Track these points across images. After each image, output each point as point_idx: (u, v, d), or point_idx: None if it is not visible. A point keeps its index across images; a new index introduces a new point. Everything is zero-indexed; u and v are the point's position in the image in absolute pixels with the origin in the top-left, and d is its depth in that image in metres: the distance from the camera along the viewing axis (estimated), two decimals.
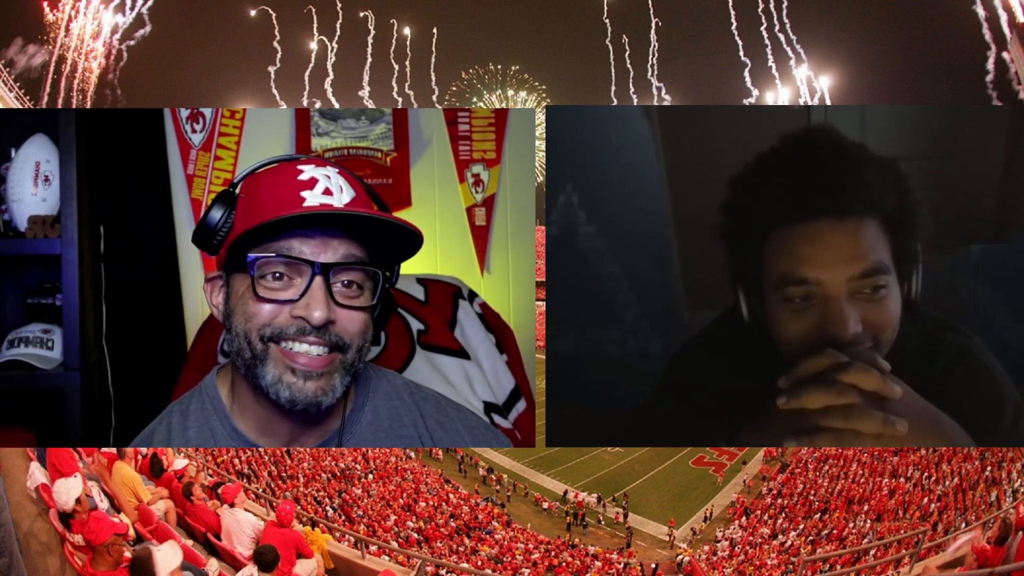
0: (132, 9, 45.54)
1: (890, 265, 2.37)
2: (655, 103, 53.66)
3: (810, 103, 48.73)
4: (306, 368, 1.92)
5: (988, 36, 39.68)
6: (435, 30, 55.77)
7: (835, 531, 14.78)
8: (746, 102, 50.13)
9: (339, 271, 1.93)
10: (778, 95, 50.95)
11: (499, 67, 57.19)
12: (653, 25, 54.04)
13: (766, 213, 2.41)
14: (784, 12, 49.18)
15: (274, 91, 52.62)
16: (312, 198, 1.93)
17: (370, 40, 55.21)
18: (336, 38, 54.64)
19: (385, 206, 2.18)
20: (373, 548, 6.18)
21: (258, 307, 1.90)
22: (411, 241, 2.02)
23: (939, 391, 2.47)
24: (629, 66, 55.39)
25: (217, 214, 2.00)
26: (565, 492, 20.03)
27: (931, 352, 2.64)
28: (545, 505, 19.49)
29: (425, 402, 2.34)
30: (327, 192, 1.96)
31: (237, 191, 2.06)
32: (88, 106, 41.20)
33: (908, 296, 2.45)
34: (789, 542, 15.04)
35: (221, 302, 2.03)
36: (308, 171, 1.99)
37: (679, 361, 2.92)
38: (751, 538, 16.09)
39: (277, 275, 1.89)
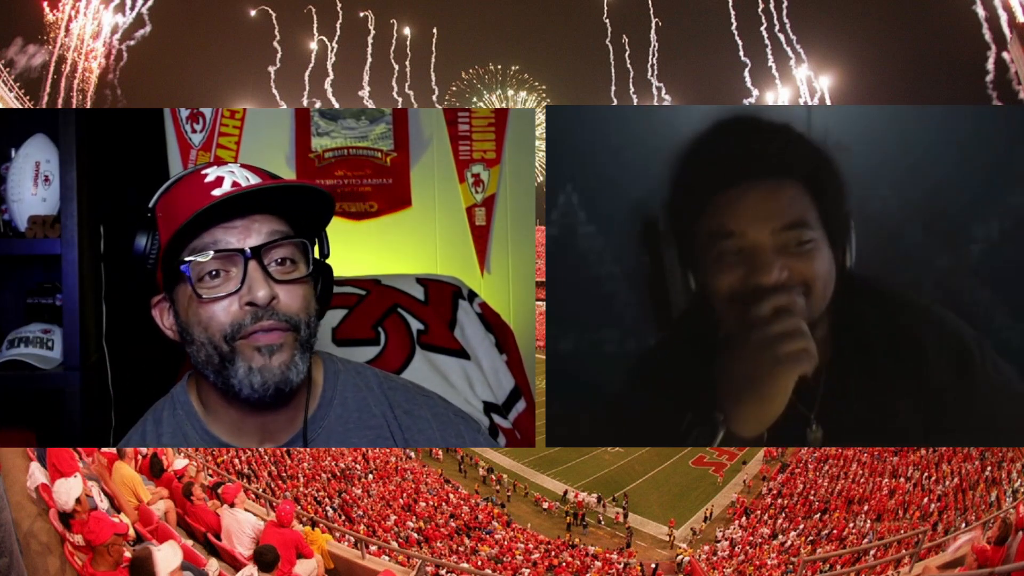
0: (132, 9, 45.58)
1: (814, 223, 2.55)
2: (655, 103, 53.75)
3: (810, 103, 48.77)
4: (267, 343, 1.96)
5: (988, 36, 39.68)
6: (435, 30, 55.82)
7: (835, 531, 14.78)
8: (746, 102, 50.13)
9: (269, 250, 1.99)
10: (778, 95, 50.96)
11: (499, 67, 57.22)
12: (653, 25, 54.08)
13: (699, 190, 2.63)
14: (784, 12, 49.23)
15: (274, 91, 52.69)
16: (221, 192, 1.98)
17: (370, 40, 55.26)
18: (336, 38, 54.69)
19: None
20: (373, 548, 6.18)
21: (208, 309, 1.95)
22: (324, 205, 2.08)
23: (919, 377, 2.62)
24: (629, 66, 55.44)
25: (142, 240, 2.06)
26: (565, 492, 20.03)
27: (936, 347, 2.72)
28: (545, 505, 19.49)
29: (394, 392, 2.35)
30: (235, 185, 2.01)
31: (153, 214, 2.11)
32: (88, 106, 41.20)
33: (843, 263, 2.60)
34: (789, 542, 15.04)
35: (173, 322, 2.07)
36: (212, 172, 2.06)
37: (679, 361, 2.92)
38: (751, 538, 16.09)
39: (213, 273, 1.95)
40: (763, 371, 2.46)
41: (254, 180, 2.06)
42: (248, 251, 1.95)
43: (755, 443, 2.64)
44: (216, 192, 1.98)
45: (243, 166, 2.12)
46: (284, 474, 15.73)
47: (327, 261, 2.20)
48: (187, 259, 1.95)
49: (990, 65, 40.49)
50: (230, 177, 2.04)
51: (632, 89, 55.42)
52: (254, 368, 1.96)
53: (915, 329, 2.74)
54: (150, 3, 45.93)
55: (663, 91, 54.64)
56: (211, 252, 1.94)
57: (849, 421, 2.68)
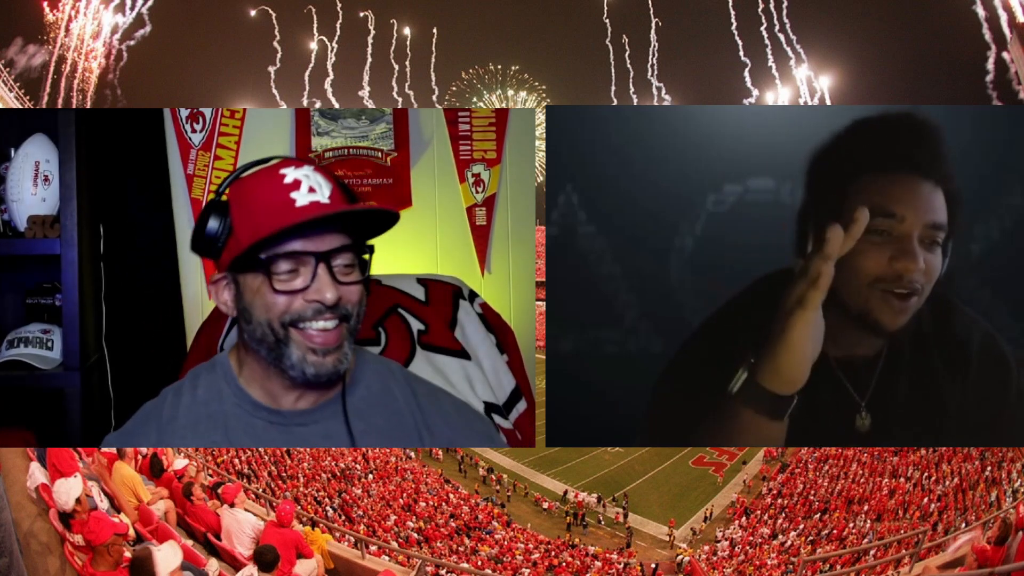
0: (132, 9, 45.56)
1: (945, 230, 2.65)
2: (655, 103, 53.74)
3: (810, 103, 48.77)
4: (324, 346, 2.18)
5: (988, 36, 39.69)
6: (435, 30, 55.78)
7: (835, 531, 14.79)
8: (746, 102, 50.15)
9: (334, 256, 2.19)
10: (778, 95, 50.92)
11: (499, 67, 57.17)
12: (653, 25, 54.05)
13: (862, 158, 2.70)
14: (784, 12, 49.20)
15: (274, 91, 52.65)
16: (301, 198, 2.16)
17: (370, 40, 55.22)
18: (336, 38, 54.65)
19: (353, 194, 2.37)
20: (373, 548, 6.19)
21: (276, 298, 2.16)
22: (390, 219, 2.27)
23: (963, 383, 2.72)
24: (629, 66, 55.41)
25: (214, 224, 2.22)
26: (565, 492, 20.03)
27: (962, 342, 2.84)
28: (545, 505, 19.49)
29: (417, 383, 2.54)
30: (311, 190, 2.19)
31: (224, 198, 2.26)
32: (88, 106, 41.19)
33: (942, 269, 2.69)
34: (789, 542, 15.04)
35: (229, 299, 2.26)
36: (290, 173, 2.20)
37: (680, 361, 2.92)
38: (751, 538, 16.09)
39: (289, 269, 2.15)
40: (780, 317, 2.54)
41: (325, 186, 2.22)
42: (320, 256, 2.16)
43: (785, 406, 2.61)
44: (295, 196, 2.16)
45: (316, 169, 2.27)
46: (284, 474, 15.74)
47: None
48: (266, 255, 2.13)
49: (990, 65, 40.52)
50: (306, 181, 2.19)
51: (632, 89, 55.45)
52: (308, 361, 2.18)
53: (962, 335, 2.85)
54: (150, 3, 45.95)
55: (663, 91, 54.66)
56: (286, 251, 2.12)
57: (895, 415, 2.75)
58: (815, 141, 2.82)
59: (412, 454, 21.96)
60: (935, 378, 2.77)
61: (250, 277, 2.19)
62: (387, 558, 6.83)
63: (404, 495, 17.40)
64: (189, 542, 3.97)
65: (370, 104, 52.51)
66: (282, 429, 2.30)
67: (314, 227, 2.14)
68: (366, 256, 2.30)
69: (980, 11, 39.22)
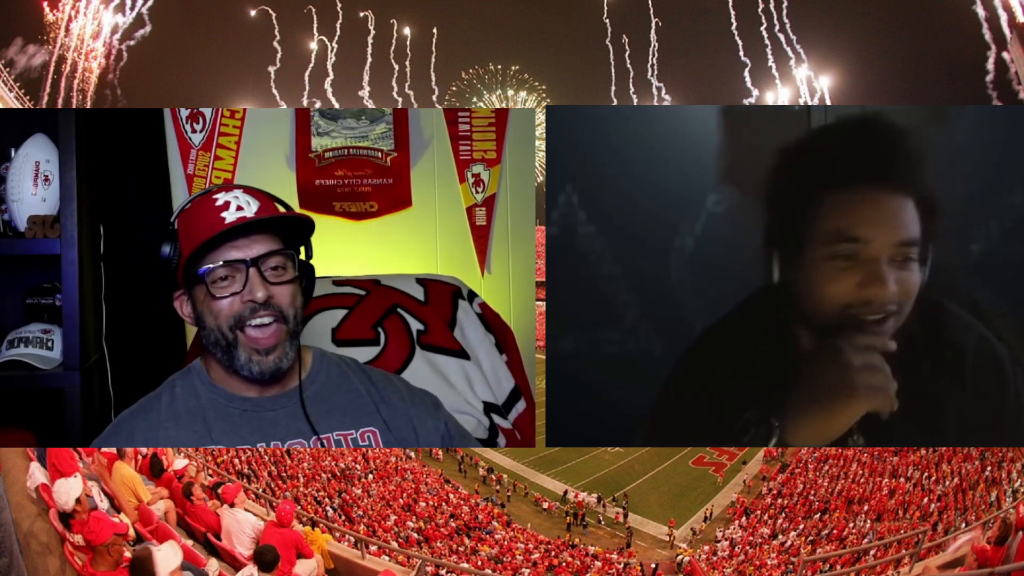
0: (132, 9, 45.51)
1: (919, 243, 2.57)
2: (655, 103, 53.73)
3: (810, 103, 48.75)
4: (265, 346, 2.51)
5: (988, 36, 39.68)
6: (435, 30, 55.73)
7: (835, 531, 14.78)
8: (746, 102, 50.13)
9: (264, 260, 2.51)
10: (778, 95, 50.91)
11: (499, 67, 57.12)
12: (653, 25, 54.00)
13: (821, 176, 2.60)
14: (784, 12, 49.15)
15: (274, 91, 52.57)
16: (230, 216, 2.52)
17: (370, 40, 55.15)
18: (336, 38, 54.59)
19: (287, 205, 2.76)
20: (373, 548, 6.19)
21: (218, 304, 2.50)
22: (306, 225, 2.64)
23: (960, 385, 2.72)
24: (629, 66, 55.35)
25: (166, 249, 2.61)
26: (565, 492, 20.03)
27: (957, 345, 2.82)
28: (545, 505, 19.49)
29: (372, 371, 2.92)
30: (239, 208, 2.55)
31: (175, 227, 2.62)
32: (88, 106, 41.18)
33: (921, 280, 2.63)
34: (789, 542, 15.04)
35: (190, 311, 2.61)
36: (221, 197, 2.58)
37: (680, 361, 2.92)
38: (751, 538, 16.09)
39: (223, 277, 2.50)
40: (836, 395, 2.50)
41: (254, 203, 2.58)
42: (249, 261, 2.49)
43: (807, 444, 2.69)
44: (224, 215, 2.51)
45: (245, 191, 2.63)
46: (284, 474, 15.73)
47: (311, 263, 2.72)
48: (204, 267, 2.48)
49: (990, 65, 40.50)
50: (235, 201, 2.56)
51: (632, 89, 55.39)
52: (253, 360, 2.52)
53: (956, 339, 2.81)
54: (150, 3, 45.91)
55: (663, 91, 54.61)
56: (221, 261, 2.48)
57: (890, 425, 2.72)
58: (777, 154, 2.71)
59: (412, 454, 21.94)
60: (933, 382, 2.75)
61: (197, 289, 2.54)
62: (387, 558, 6.83)
63: (404, 495, 17.40)
64: (189, 542, 3.97)
65: (370, 104, 52.53)
66: (254, 416, 2.60)
67: (238, 235, 2.49)
68: (302, 257, 2.64)
69: (980, 11, 39.24)
